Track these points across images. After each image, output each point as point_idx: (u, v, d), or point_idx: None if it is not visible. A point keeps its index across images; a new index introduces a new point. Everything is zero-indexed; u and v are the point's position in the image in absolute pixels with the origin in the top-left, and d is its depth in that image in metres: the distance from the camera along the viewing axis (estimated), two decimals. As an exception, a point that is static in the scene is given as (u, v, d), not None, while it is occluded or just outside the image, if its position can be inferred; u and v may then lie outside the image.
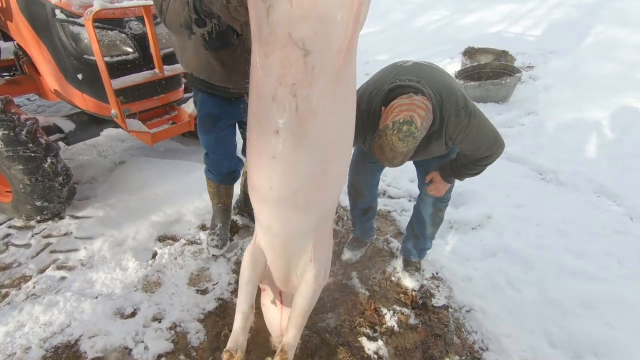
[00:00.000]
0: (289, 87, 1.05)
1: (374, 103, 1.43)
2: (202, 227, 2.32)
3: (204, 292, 1.92)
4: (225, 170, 1.91)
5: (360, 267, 2.17)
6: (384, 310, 1.87)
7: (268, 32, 1.03)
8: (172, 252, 2.12)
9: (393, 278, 2.08)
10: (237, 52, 1.54)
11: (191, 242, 2.22)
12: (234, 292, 1.95)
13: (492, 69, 4.34)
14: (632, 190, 2.66)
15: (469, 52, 4.80)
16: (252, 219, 2.32)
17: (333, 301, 1.93)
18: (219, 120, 1.76)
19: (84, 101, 2.15)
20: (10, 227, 2.24)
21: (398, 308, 1.89)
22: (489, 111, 3.86)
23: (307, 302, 1.20)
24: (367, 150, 1.61)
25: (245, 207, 2.37)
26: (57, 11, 1.86)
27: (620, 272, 2.07)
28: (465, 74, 4.36)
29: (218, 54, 1.54)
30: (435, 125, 1.37)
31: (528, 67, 5.05)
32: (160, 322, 1.74)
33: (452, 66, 5.06)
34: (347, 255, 2.18)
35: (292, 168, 1.08)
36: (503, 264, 2.18)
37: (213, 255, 2.10)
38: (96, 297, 1.82)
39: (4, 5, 2.15)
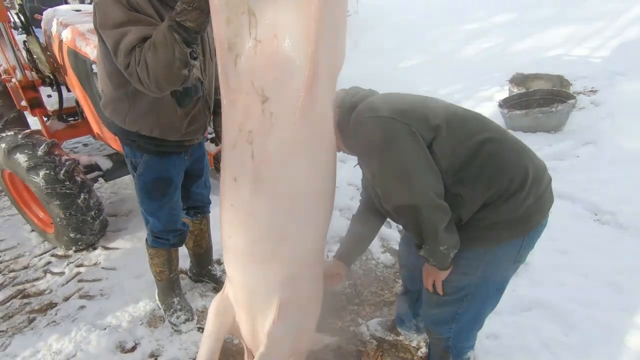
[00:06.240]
0: (246, 134, 1.05)
1: None
2: (218, 262, 2.35)
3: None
4: (178, 231, 1.77)
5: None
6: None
7: (234, 80, 1.04)
8: (183, 286, 2.17)
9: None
10: (198, 103, 1.50)
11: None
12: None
13: (543, 96, 3.98)
14: None
15: (518, 79, 4.47)
16: (212, 280, 2.17)
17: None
18: (170, 183, 1.62)
19: (117, 143, 2.37)
20: (52, 255, 2.50)
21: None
22: (537, 142, 3.51)
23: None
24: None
25: (201, 269, 2.18)
26: (94, 66, 2.12)
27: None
28: (511, 102, 4.05)
29: (185, 109, 1.46)
30: None
31: (590, 91, 4.56)
32: (156, 359, 1.76)
33: (500, 94, 4.75)
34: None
35: (248, 217, 1.06)
36: (538, 321, 1.87)
37: (185, 331, 1.87)
38: (104, 329, 1.90)
39: (63, 63, 2.52)
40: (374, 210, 1.40)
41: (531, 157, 1.15)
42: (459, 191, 1.08)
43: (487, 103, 4.61)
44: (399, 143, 1.04)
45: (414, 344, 1.83)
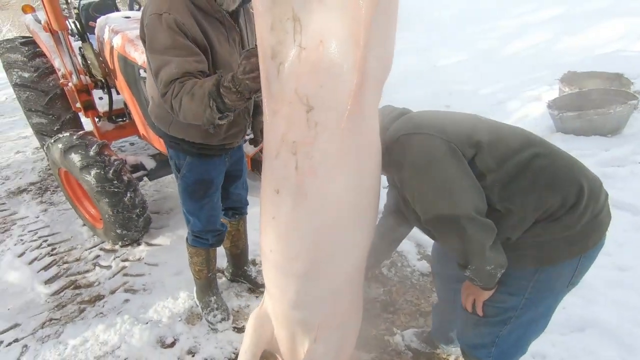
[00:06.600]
0: (290, 144, 1.02)
1: None
2: (253, 263, 2.38)
3: (240, 330, 1.95)
4: (217, 232, 1.82)
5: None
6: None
7: (277, 89, 1.02)
8: (219, 285, 2.22)
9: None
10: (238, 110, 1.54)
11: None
12: (269, 334, 1.93)
13: (599, 96, 3.68)
14: None
15: (569, 78, 4.17)
16: (247, 281, 2.21)
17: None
18: (211, 185, 1.67)
19: (161, 144, 2.47)
20: (101, 249, 2.65)
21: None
22: (592, 146, 3.26)
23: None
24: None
25: (237, 270, 2.22)
26: (141, 71, 2.22)
27: None
28: (562, 103, 3.78)
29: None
30: None
31: (654, 90, 4.17)
32: (193, 356, 1.81)
33: (549, 94, 4.46)
34: None
35: (291, 231, 1.03)
36: (592, 343, 1.73)
37: (221, 330, 1.93)
38: (146, 323, 1.99)
39: (113, 68, 2.66)
40: (397, 220, 1.35)
41: (584, 172, 1.06)
42: (508, 207, 1.02)
43: (534, 103, 4.34)
44: (438, 159, 0.99)
45: (452, 357, 1.75)
